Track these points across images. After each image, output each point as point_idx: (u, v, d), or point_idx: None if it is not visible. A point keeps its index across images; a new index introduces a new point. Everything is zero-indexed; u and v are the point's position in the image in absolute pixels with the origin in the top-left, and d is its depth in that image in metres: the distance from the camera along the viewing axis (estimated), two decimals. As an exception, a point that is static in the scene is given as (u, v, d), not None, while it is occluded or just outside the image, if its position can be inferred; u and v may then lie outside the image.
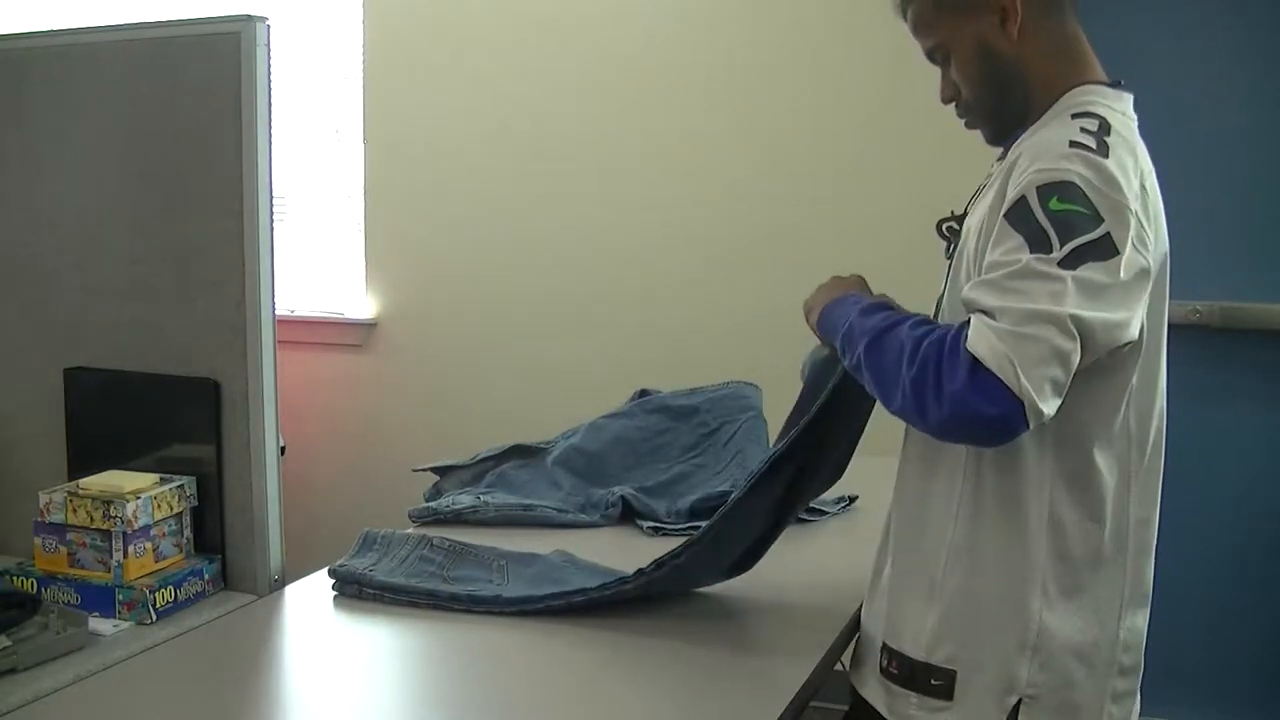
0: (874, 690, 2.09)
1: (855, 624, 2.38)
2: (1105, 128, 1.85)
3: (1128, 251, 1.77)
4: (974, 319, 1.74)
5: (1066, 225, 1.75)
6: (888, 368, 1.81)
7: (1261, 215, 4.25)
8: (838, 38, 4.53)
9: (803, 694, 2.10)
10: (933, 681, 1.98)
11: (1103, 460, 1.93)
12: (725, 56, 4.61)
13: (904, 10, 2.06)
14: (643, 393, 3.67)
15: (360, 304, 5.56)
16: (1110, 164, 1.80)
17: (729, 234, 4.72)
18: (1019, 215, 1.78)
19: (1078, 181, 1.78)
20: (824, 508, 3.15)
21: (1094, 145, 1.81)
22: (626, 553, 2.63)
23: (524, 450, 3.43)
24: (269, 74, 2.59)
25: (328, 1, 5.57)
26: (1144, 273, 1.82)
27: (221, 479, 2.68)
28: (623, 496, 3.14)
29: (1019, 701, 1.93)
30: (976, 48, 1.98)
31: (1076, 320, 1.71)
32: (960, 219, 2.05)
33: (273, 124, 2.62)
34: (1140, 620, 2.04)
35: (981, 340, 1.70)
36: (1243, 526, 4.33)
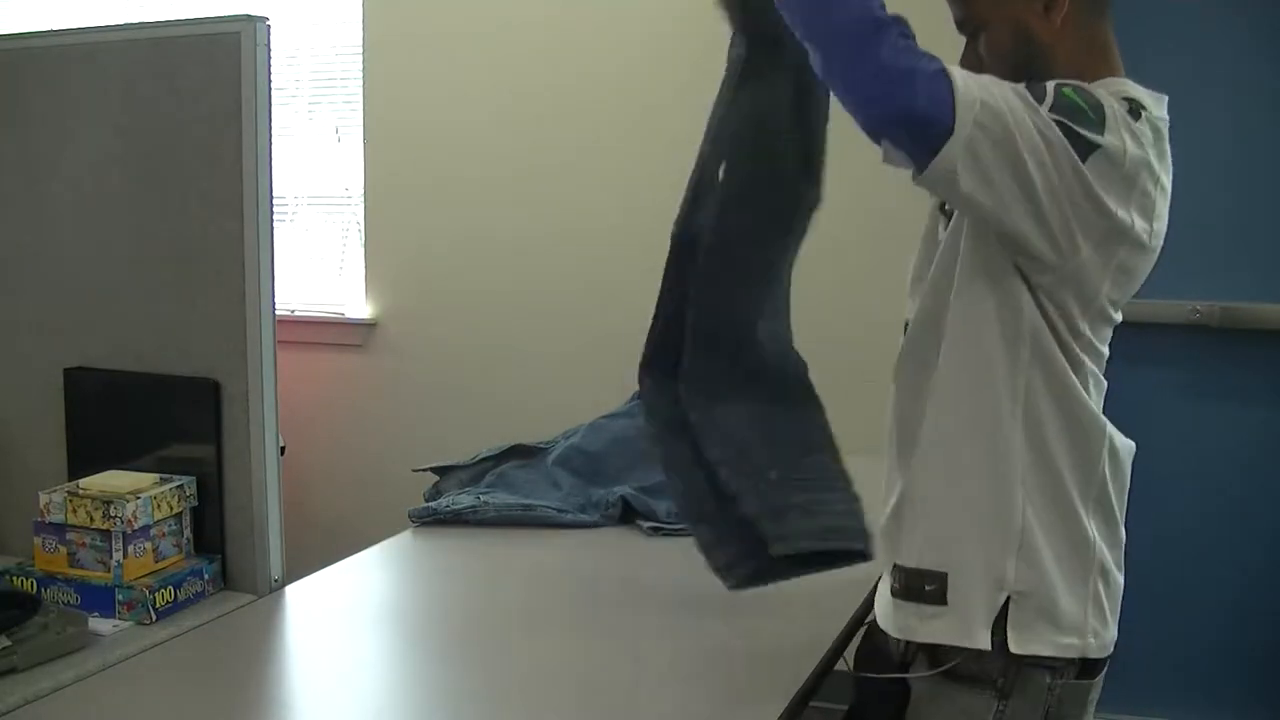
0: (886, 616, 2.11)
1: (857, 623, 2.39)
2: (1137, 110, 1.92)
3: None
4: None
5: (1069, 107, 1.85)
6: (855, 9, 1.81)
7: (1260, 215, 4.26)
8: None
9: (803, 694, 2.11)
10: (926, 588, 2.00)
11: (1072, 362, 1.98)
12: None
13: None
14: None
15: (360, 304, 5.56)
16: (1140, 125, 1.90)
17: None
18: (1029, 85, 1.87)
19: (1104, 102, 1.88)
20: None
21: (1125, 110, 1.90)
22: (626, 553, 2.64)
23: (524, 450, 3.44)
24: (269, 74, 2.59)
25: (328, 2, 5.56)
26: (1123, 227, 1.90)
27: (221, 479, 2.68)
28: (622, 496, 3.14)
29: (1007, 600, 1.97)
30: (1014, 28, 2.00)
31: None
32: None
33: (273, 124, 2.61)
34: (1117, 534, 2.07)
35: (958, 76, 1.80)
36: (1243, 525, 4.33)
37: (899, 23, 1.80)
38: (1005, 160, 1.81)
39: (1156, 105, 1.98)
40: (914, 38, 1.81)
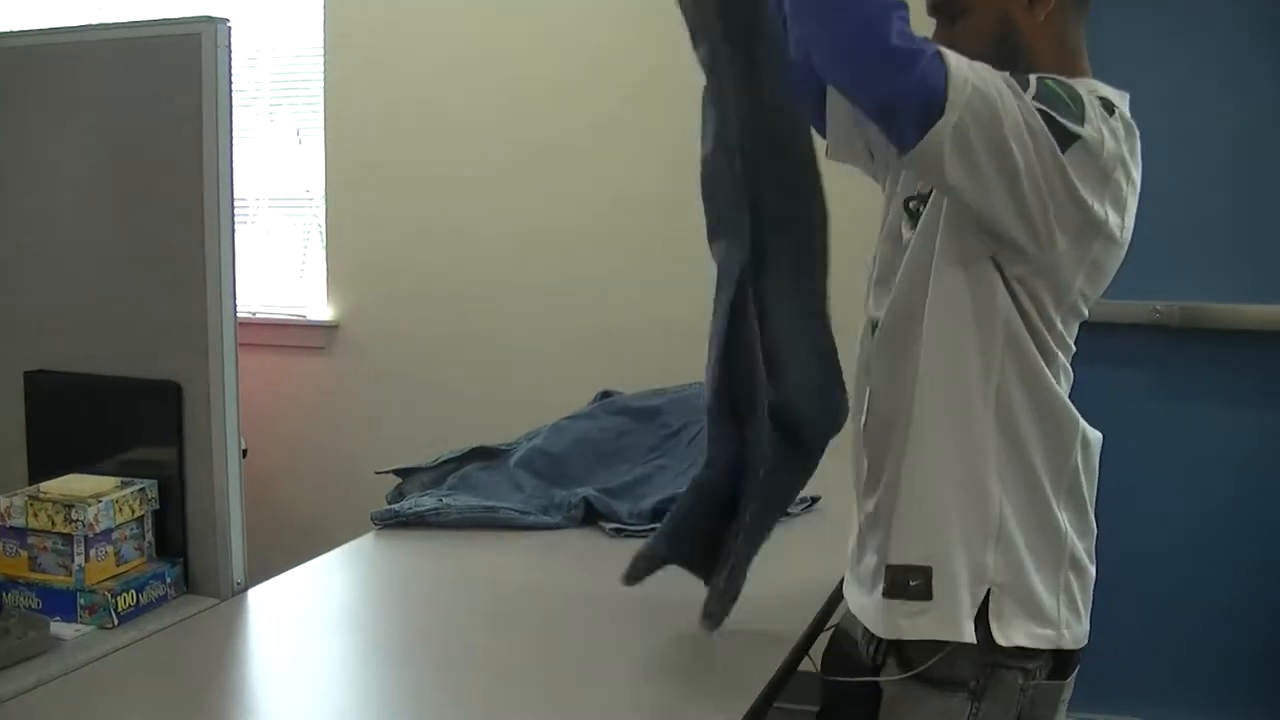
0: (873, 619, 2.11)
1: (820, 623, 2.39)
2: (1110, 106, 1.95)
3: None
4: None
5: (1051, 97, 1.88)
6: None
7: (1220, 216, 4.28)
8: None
9: (767, 693, 2.11)
10: (911, 583, 2.01)
11: (1045, 355, 2.00)
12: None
13: None
14: (605, 394, 3.68)
15: (321, 306, 5.55)
16: (1114, 121, 1.93)
17: (699, 236, 4.72)
18: (1012, 75, 1.90)
19: (1082, 94, 1.91)
20: (789, 509, 3.15)
21: (1100, 105, 1.93)
22: (589, 555, 2.64)
23: (486, 452, 3.43)
24: (230, 76, 2.58)
25: (288, 5, 5.55)
26: (1098, 221, 1.93)
27: (183, 482, 2.67)
28: (585, 498, 3.14)
29: (988, 592, 1.99)
30: (998, 16, 2.03)
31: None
32: (925, 197, 2.09)
33: (234, 126, 2.61)
34: (1088, 525, 2.09)
35: (952, 58, 1.83)
36: (1202, 523, 4.36)
37: (902, 4, 1.83)
38: (991, 144, 1.83)
39: (1122, 102, 2.00)
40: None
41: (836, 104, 2.24)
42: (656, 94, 4.71)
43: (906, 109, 1.82)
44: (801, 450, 2.31)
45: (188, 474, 2.67)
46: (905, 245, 2.10)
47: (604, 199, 4.99)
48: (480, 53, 5.19)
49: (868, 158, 2.31)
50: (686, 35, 2.25)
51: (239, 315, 2.64)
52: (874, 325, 2.14)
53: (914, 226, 2.09)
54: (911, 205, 2.13)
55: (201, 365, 2.62)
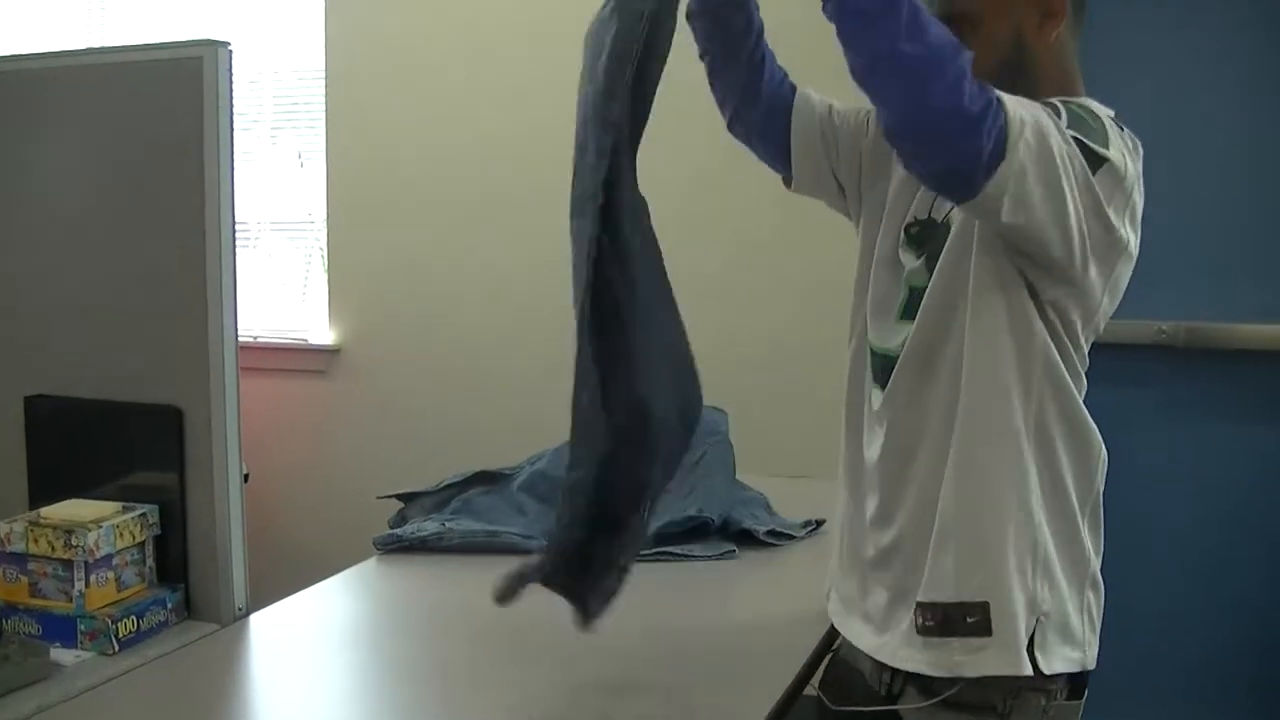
0: (911, 655, 2.07)
1: (824, 649, 2.38)
2: (1119, 125, 1.97)
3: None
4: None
5: (1079, 121, 1.90)
6: (945, 43, 1.80)
7: (1226, 233, 4.28)
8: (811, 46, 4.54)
9: (773, 714, 2.10)
10: (968, 619, 1.99)
11: (1073, 376, 2.01)
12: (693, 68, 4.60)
13: None
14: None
15: (323, 330, 5.55)
16: (1127, 139, 1.96)
17: (712, 260, 4.73)
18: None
19: (1101, 115, 1.94)
20: (790, 531, 3.15)
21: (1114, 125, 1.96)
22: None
23: (488, 476, 3.42)
24: (231, 99, 2.58)
25: (290, 28, 5.56)
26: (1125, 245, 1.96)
27: (184, 507, 2.66)
28: (588, 522, 3.13)
29: (1036, 621, 1.99)
30: (1009, 33, 2.03)
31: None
32: (926, 223, 2.08)
33: (235, 149, 2.60)
34: (1101, 544, 2.10)
35: (1006, 98, 1.81)
36: (1207, 542, 4.34)
37: (966, 49, 1.81)
38: (1046, 180, 1.83)
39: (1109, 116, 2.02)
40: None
41: (805, 142, 2.25)
42: (660, 117, 4.69)
43: (977, 161, 1.80)
44: (648, 446, 2.07)
45: (189, 499, 2.66)
46: (910, 273, 2.09)
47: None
48: (483, 76, 5.20)
49: (836, 190, 2.31)
50: (694, 56, 2.24)
51: (240, 339, 2.64)
52: (879, 357, 2.13)
53: (919, 254, 2.08)
54: (913, 231, 2.13)
55: (203, 389, 2.61)
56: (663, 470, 2.10)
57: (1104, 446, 2.05)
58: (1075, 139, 1.86)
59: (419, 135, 5.30)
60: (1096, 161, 1.87)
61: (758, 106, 2.25)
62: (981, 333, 1.98)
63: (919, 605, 2.04)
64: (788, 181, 2.34)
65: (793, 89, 2.29)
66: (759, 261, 4.71)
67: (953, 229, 2.02)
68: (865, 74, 1.81)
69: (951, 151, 1.80)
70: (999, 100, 1.80)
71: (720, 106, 2.31)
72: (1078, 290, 1.94)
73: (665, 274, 2.08)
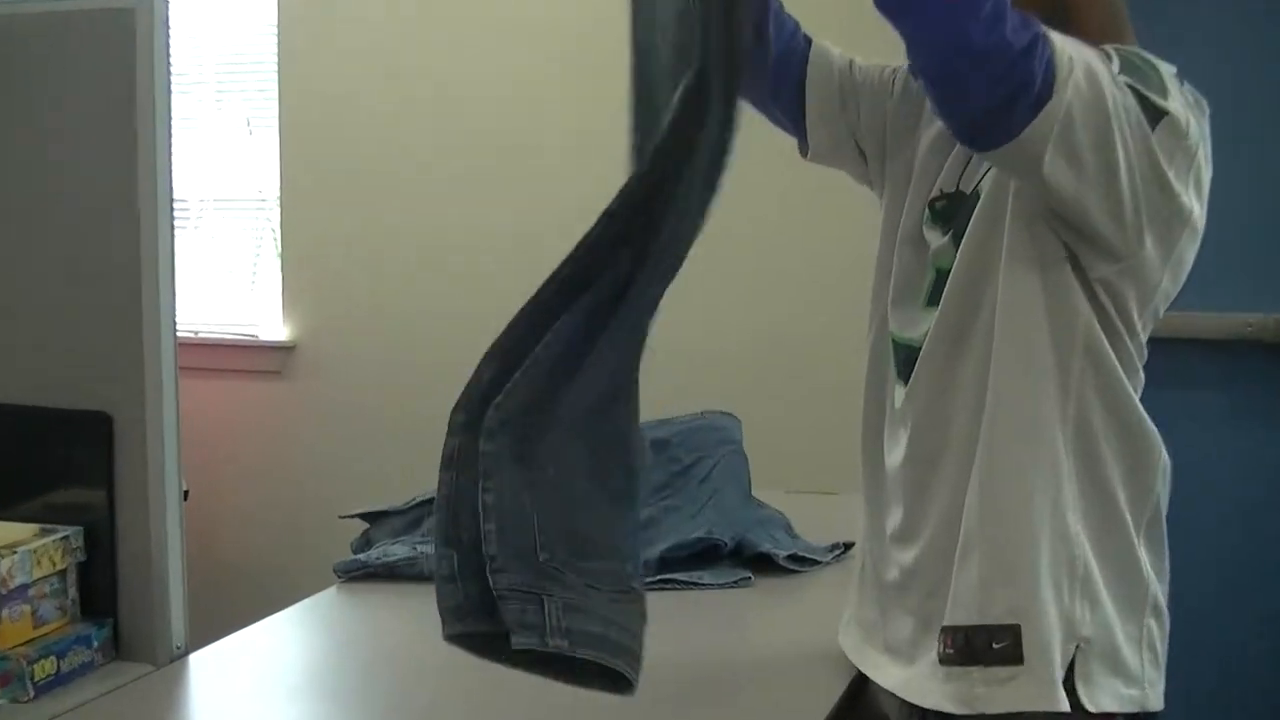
0: (933, 689, 2.07)
1: (854, 693, 2.38)
2: (1179, 78, 1.97)
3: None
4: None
5: (1135, 68, 1.90)
6: None
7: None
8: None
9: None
10: (995, 645, 1.98)
11: (1126, 367, 2.01)
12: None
13: None
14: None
15: (276, 324, 5.56)
16: (1188, 92, 1.96)
17: (703, 244, 4.71)
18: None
19: (1161, 68, 1.93)
20: (814, 556, 3.15)
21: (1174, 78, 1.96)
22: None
23: (468, 493, 3.42)
24: (168, 57, 2.58)
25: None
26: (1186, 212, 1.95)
27: (114, 529, 2.66)
28: (582, 546, 3.13)
29: (1075, 649, 1.98)
30: None
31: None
32: (954, 196, 2.09)
33: (173, 115, 2.61)
34: (1165, 565, 2.09)
35: (1053, 33, 1.81)
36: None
37: None
38: (1096, 130, 1.83)
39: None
40: None
41: (822, 104, 2.25)
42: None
43: (1024, 100, 1.80)
44: None
45: (119, 519, 2.66)
46: (936, 252, 2.10)
47: (599, 203, 4.98)
48: (456, 33, 5.20)
49: (858, 158, 2.31)
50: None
51: (180, 335, 2.64)
52: (903, 348, 2.14)
53: (945, 230, 2.09)
54: (939, 206, 2.13)
55: (136, 393, 2.62)
56: None
57: (1166, 452, 2.05)
58: (1130, 87, 1.86)
59: (387, 98, 5.30)
60: (1155, 114, 1.87)
61: (767, 63, 2.25)
62: (1013, 314, 1.98)
63: (942, 630, 2.04)
64: (804, 149, 2.34)
65: (807, 41, 2.29)
66: (772, 245, 4.71)
67: (982, 197, 2.03)
68: (898, 8, 1.81)
69: (996, 91, 1.80)
70: (1045, 35, 1.80)
71: None
72: (1132, 266, 1.94)
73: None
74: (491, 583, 1.89)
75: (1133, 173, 1.86)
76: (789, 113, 2.31)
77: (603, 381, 2.03)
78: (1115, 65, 1.88)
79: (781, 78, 2.27)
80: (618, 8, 4.10)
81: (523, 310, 1.97)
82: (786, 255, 4.72)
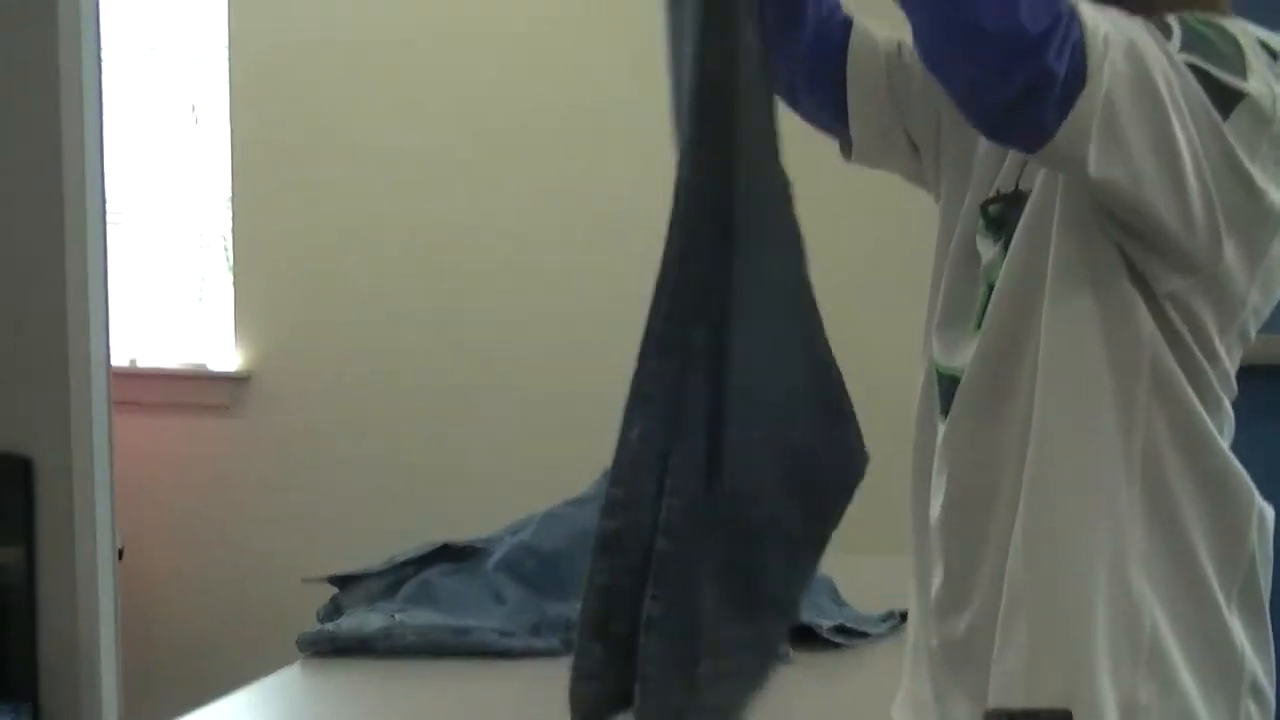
0: None
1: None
2: (1273, 52, 1.91)
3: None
4: None
5: (1201, 42, 1.84)
6: None
7: None
8: None
9: None
10: None
11: (1206, 400, 1.95)
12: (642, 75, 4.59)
13: None
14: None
15: (227, 351, 5.54)
16: None
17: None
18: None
19: (1238, 35, 1.87)
20: (864, 628, 3.13)
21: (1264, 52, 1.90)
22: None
23: (454, 551, 3.41)
24: (97, 28, 2.56)
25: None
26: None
27: (34, 594, 2.64)
28: (590, 614, 3.12)
29: None
30: None
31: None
32: (1011, 197, 2.05)
33: (104, 102, 2.59)
34: (1265, 636, 2.03)
35: (1086, 10, 1.77)
36: None
37: None
38: (1144, 116, 1.79)
39: None
40: None
41: (867, 90, 2.22)
42: (652, 80, 4.69)
43: (1048, 92, 1.76)
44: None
45: (40, 581, 2.64)
46: (989, 265, 2.07)
47: (598, 203, 4.98)
48: (437, 20, 5.19)
49: (910, 152, 2.28)
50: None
51: (114, 364, 2.62)
52: (946, 379, 2.11)
53: (998, 239, 2.06)
54: (993, 210, 2.10)
55: (60, 432, 2.60)
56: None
57: (1263, 503, 2.01)
58: (1192, 66, 1.81)
59: (360, 78, 5.28)
60: (1229, 97, 1.82)
61: (799, 44, 2.23)
62: (1062, 336, 1.93)
63: (986, 715, 2.01)
64: (846, 148, 2.31)
65: (846, 22, 2.26)
66: (823, 257, 4.69)
67: (1031, 196, 2.00)
68: None
69: (1010, 82, 1.76)
70: (1072, 11, 1.77)
71: None
72: (1208, 278, 1.89)
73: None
74: (637, 700, 1.90)
75: (1201, 167, 1.81)
76: (828, 104, 2.27)
77: (779, 396, 2.00)
78: (1176, 40, 1.84)
79: (819, 64, 2.24)
80: (577, 8, 4.10)
81: (644, 353, 1.95)
82: (830, 274, 4.69)
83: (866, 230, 4.63)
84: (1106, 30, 1.76)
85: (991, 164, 2.11)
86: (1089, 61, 1.75)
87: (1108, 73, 1.75)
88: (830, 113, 2.26)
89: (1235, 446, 1.98)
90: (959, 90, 1.83)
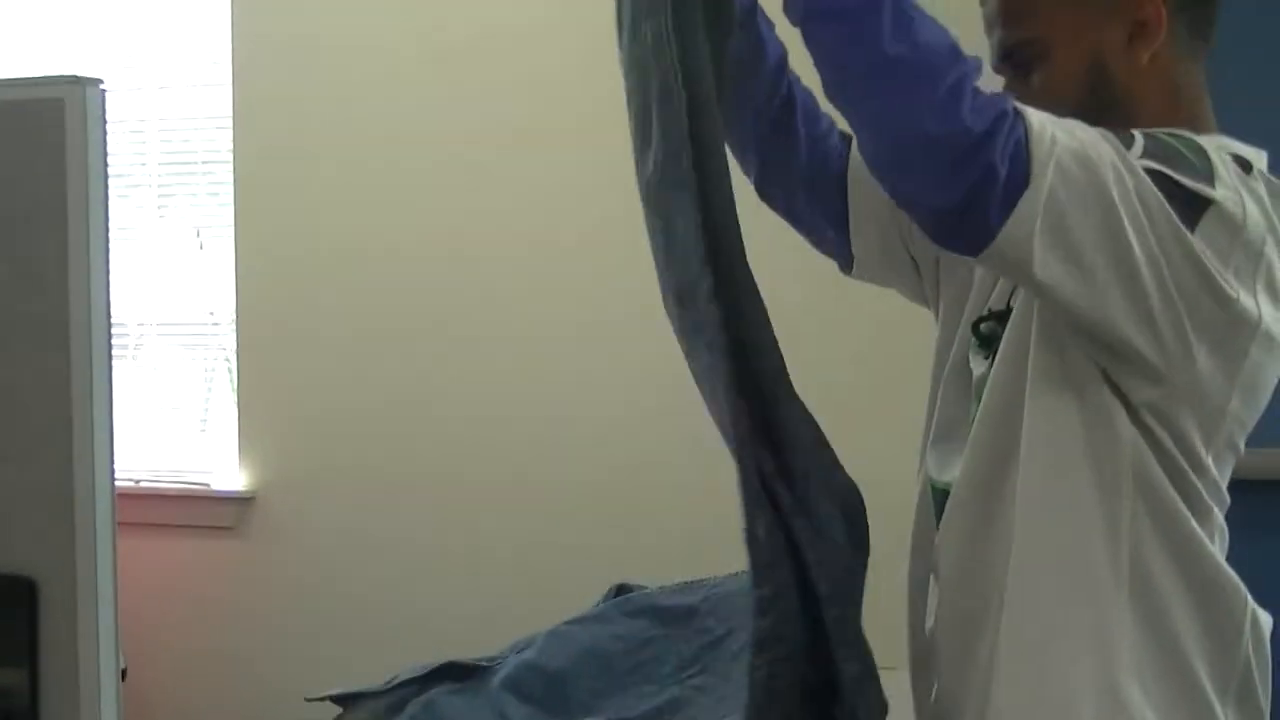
0: None
1: None
2: (1245, 165, 1.93)
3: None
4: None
5: (1164, 151, 1.87)
6: (940, 45, 1.82)
7: None
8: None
9: None
10: None
11: (1195, 509, 1.96)
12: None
13: None
14: (622, 589, 3.65)
15: (232, 471, 5.54)
16: (1253, 181, 1.91)
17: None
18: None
19: (1207, 147, 1.90)
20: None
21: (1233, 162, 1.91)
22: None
23: (459, 670, 3.41)
24: (104, 154, 2.59)
25: (186, 59, 5.59)
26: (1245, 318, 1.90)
27: (37, 715, 2.64)
28: (597, 733, 3.12)
29: None
30: (1087, 60, 2.03)
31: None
32: (1002, 315, 2.07)
33: (109, 223, 2.61)
34: None
35: (1032, 112, 1.80)
36: None
37: (976, 60, 1.83)
38: (1095, 220, 1.80)
39: (1260, 160, 1.99)
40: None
41: (868, 206, 2.24)
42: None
43: (992, 190, 1.78)
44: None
45: (43, 702, 2.64)
46: (979, 382, 2.08)
47: (616, 330, 4.98)
48: (452, 118, 5.21)
49: (910, 269, 2.30)
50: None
51: (117, 483, 2.63)
52: (940, 494, 2.12)
53: (988, 356, 2.07)
54: (984, 328, 2.12)
55: (65, 553, 2.61)
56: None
57: (1256, 607, 2.01)
58: (1153, 171, 1.83)
59: (361, 201, 5.29)
60: (1196, 204, 1.84)
61: (796, 165, 2.24)
62: (1043, 445, 1.95)
63: None
64: (846, 264, 2.33)
65: (845, 139, 2.28)
66: (824, 375, 4.71)
67: (1013, 311, 2.02)
68: (841, 89, 1.84)
69: (958, 183, 1.79)
70: (1016, 110, 1.80)
71: (741, 164, 2.29)
72: (1183, 387, 1.90)
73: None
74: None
75: (1162, 275, 1.82)
76: (829, 218, 2.29)
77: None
78: (1137, 148, 1.86)
79: (819, 181, 2.26)
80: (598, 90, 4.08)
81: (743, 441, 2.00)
82: (835, 387, 4.71)
83: (868, 344, 4.64)
84: (1054, 132, 1.79)
85: (987, 283, 2.13)
86: (1033, 162, 1.77)
87: (1052, 173, 1.77)
88: (833, 227, 2.28)
89: (1228, 561, 2.00)
90: (906, 193, 1.87)
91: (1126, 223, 1.80)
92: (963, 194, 1.78)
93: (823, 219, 2.30)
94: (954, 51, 1.79)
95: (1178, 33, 2.03)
